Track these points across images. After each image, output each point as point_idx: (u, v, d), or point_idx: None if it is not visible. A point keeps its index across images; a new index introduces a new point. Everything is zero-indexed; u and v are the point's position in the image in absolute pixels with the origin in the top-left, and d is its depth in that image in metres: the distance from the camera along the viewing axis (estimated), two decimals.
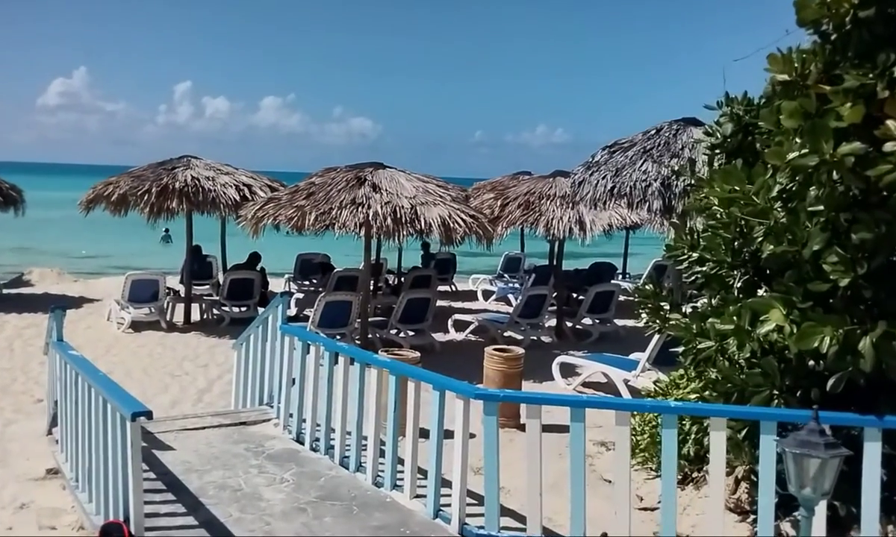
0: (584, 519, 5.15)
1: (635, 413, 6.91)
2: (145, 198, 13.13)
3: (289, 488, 6.13)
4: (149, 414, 4.59)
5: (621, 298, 14.94)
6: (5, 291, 17.56)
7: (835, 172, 4.34)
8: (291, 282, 18.28)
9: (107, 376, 5.62)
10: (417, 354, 8.11)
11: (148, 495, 5.48)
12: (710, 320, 5.36)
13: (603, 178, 9.81)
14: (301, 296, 15.90)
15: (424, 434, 5.94)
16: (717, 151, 6.22)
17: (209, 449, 6.91)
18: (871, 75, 4.26)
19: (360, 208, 10.36)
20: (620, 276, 20.40)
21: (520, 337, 13.18)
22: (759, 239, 5.18)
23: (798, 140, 4.55)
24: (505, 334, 13.29)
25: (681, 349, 6.12)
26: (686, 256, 6.07)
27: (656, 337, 9.48)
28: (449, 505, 5.61)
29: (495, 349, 8.54)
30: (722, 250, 5.65)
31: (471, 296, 18.83)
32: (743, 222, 5.48)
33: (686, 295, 6.73)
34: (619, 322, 14.65)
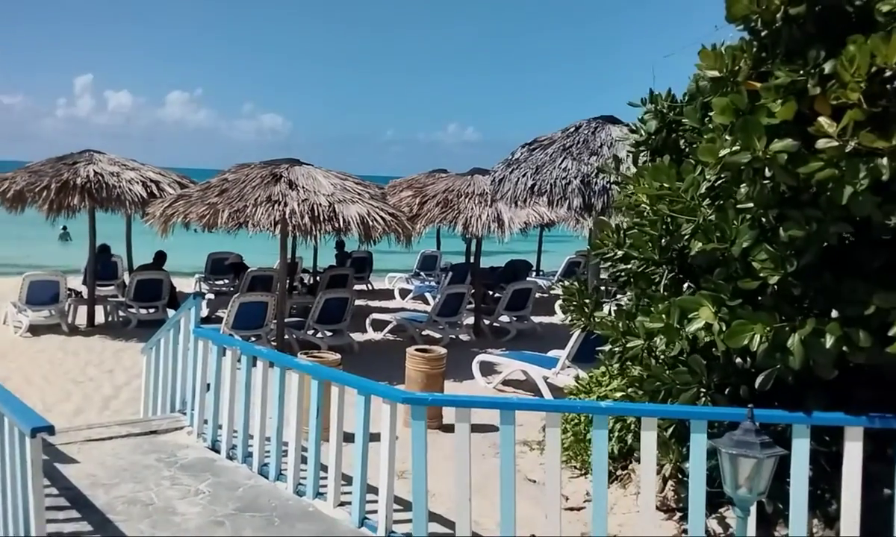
0: (514, 523, 5.03)
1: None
2: (44, 194, 12.42)
3: (205, 500, 5.81)
4: (50, 430, 4.21)
5: (537, 295, 15.01)
6: None
7: (767, 169, 4.33)
8: (202, 282, 17.70)
9: (1, 385, 5.17)
10: (338, 356, 7.87)
11: (50, 513, 5.07)
12: (638, 318, 5.31)
13: (523, 176, 9.76)
14: (213, 296, 15.38)
15: (347, 438, 5.72)
16: (642, 148, 6.20)
17: (117, 461, 6.50)
18: (801, 72, 4.27)
19: (276, 206, 10.03)
20: (534, 274, 20.55)
21: (438, 335, 13.08)
22: (687, 236, 5.16)
23: (728, 137, 4.53)
24: (423, 333, 13.15)
25: (606, 347, 6.09)
26: (612, 253, 6.04)
27: (576, 334, 9.49)
28: (374, 512, 5.42)
29: (417, 349, 8.38)
30: (649, 248, 5.62)
31: (387, 294, 18.62)
32: (670, 219, 5.48)
33: (610, 292, 6.72)
34: (536, 319, 14.73)
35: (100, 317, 14.09)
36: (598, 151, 9.53)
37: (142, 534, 5.20)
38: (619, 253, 6.04)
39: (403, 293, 18.23)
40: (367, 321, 13.79)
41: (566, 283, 6.47)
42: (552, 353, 10.64)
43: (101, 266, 15.04)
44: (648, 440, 4.88)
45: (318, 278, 17.09)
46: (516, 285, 14.27)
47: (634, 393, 6.03)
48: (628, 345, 5.39)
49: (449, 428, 7.52)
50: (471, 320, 13.96)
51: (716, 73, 4.64)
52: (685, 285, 5.63)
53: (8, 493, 4.67)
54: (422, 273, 20.25)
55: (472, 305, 13.94)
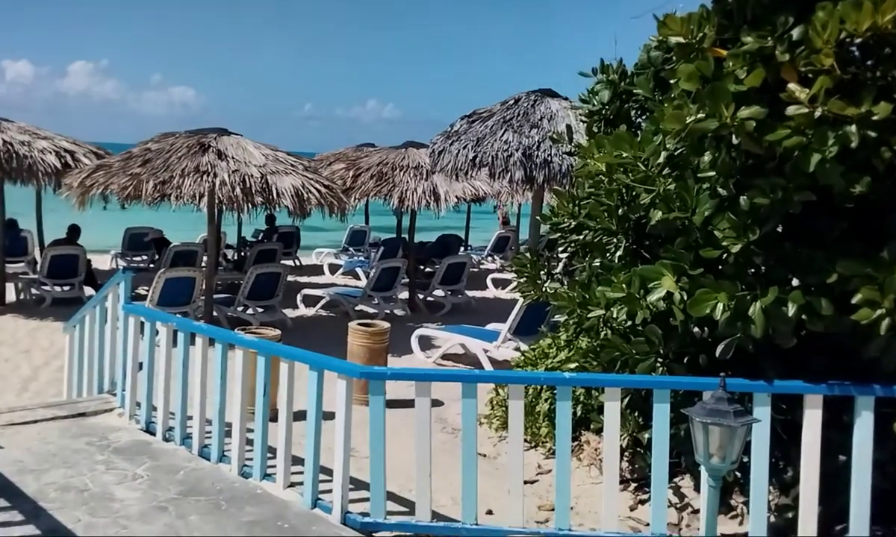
0: (476, 501, 4.92)
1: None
2: None
3: (144, 485, 5.49)
4: None
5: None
6: None
7: (734, 137, 4.28)
8: (119, 258, 16.99)
9: None
10: (278, 332, 7.58)
11: None
12: (599, 289, 5.24)
13: (464, 148, 9.61)
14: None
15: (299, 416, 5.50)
16: (595, 118, 6.13)
17: (44, 446, 6.10)
18: (769, 39, 4.23)
19: (204, 177, 9.59)
20: (462, 249, 20.51)
21: (372, 310, 12.87)
22: (646, 206, 5.11)
23: (692, 105, 4.46)
24: (357, 308, 12.91)
25: (560, 318, 6.03)
26: (566, 224, 5.97)
27: (517, 307, 9.44)
28: (328, 492, 5.22)
29: (360, 323, 8.16)
30: (605, 217, 5.56)
31: (316, 270, 18.24)
32: (625, 189, 5.42)
33: (557, 263, 6.66)
34: (470, 293, 14.67)
35: (10, 296, 13.32)
36: (539, 124, 9.44)
37: (80, 522, 4.87)
38: (573, 223, 5.97)
39: (333, 268, 17.88)
40: (299, 297, 13.45)
41: (519, 255, 6.36)
42: (491, 327, 10.58)
43: (10, 242, 14.23)
44: (612, 410, 4.83)
45: (242, 253, 16.61)
46: (451, 259, 14.16)
47: (588, 364, 6.00)
48: (588, 316, 5.31)
49: (389, 404, 7.35)
50: (405, 295, 13.78)
51: (681, 40, 4.57)
52: (641, 256, 5.61)
53: None
54: (350, 248, 19.94)
55: (406, 280, 13.76)
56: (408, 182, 12.40)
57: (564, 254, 6.48)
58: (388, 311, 12.84)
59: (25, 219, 15.83)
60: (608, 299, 5.14)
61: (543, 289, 6.31)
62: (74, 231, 14.21)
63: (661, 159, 5.04)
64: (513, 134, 9.35)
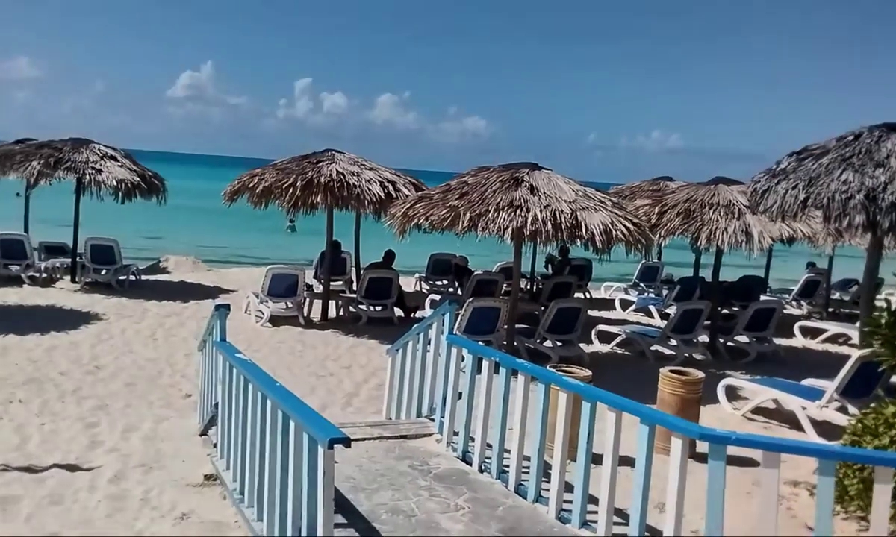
0: None
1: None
2: (290, 191, 12.91)
3: (466, 517, 5.59)
4: (346, 441, 4.09)
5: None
6: (143, 277, 17.83)
7: None
8: (422, 282, 17.95)
9: (286, 389, 5.19)
10: (588, 373, 7.43)
11: None
12: None
13: (793, 188, 8.84)
14: (436, 297, 15.47)
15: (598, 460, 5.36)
16: None
17: (372, 465, 6.47)
18: None
19: (518, 211, 9.76)
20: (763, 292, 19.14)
21: (669, 352, 12.35)
22: None
23: None
24: (652, 348, 12.46)
25: None
26: None
27: (849, 363, 8.51)
28: None
29: (672, 371, 7.77)
30: None
31: (606, 304, 17.95)
32: None
33: None
34: (777, 341, 13.57)
35: (332, 312, 14.53)
36: (885, 163, 8.44)
37: None
38: None
39: (625, 304, 17.47)
40: (593, 332, 13.27)
41: (875, 312, 5.68)
42: (807, 382, 9.68)
43: (332, 261, 15.55)
44: None
45: (536, 284, 16.80)
46: (758, 304, 13.21)
47: None
48: None
49: (702, 458, 6.87)
50: (704, 337, 13.07)
51: None
52: None
53: (290, 499, 4.63)
54: (641, 283, 19.43)
55: (707, 323, 13.04)
56: (717, 220, 11.74)
57: None
58: (686, 355, 12.25)
59: (343, 241, 17.21)
60: None
61: None
62: (390, 256, 15.26)
63: None
64: (853, 173, 8.43)
